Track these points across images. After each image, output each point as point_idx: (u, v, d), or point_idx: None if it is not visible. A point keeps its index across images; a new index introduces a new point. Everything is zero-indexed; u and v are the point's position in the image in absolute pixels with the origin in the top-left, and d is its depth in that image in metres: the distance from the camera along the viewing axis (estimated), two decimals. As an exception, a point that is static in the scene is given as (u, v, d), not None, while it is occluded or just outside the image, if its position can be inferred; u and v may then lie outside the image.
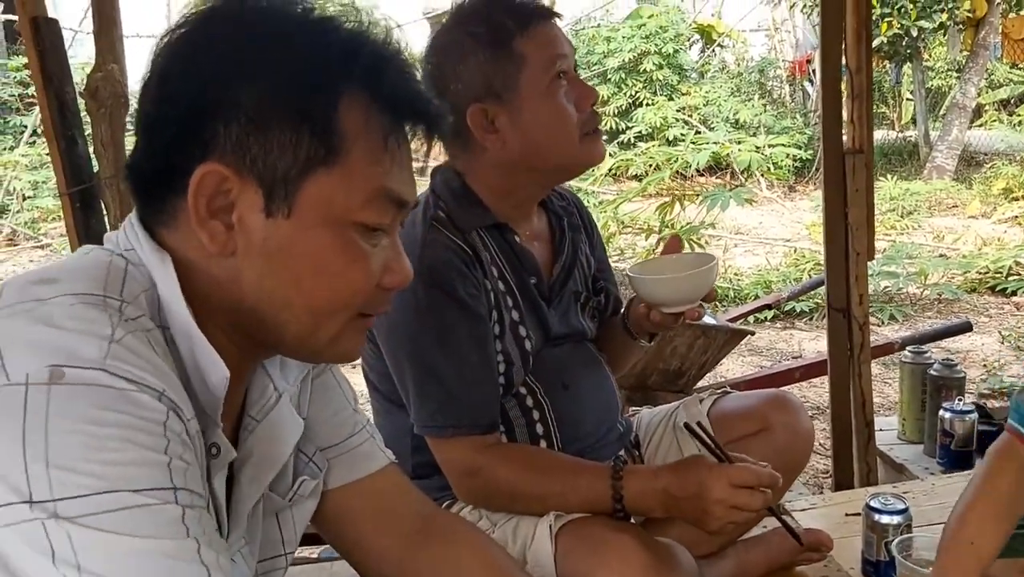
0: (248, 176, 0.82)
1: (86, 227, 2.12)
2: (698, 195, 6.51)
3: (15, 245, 8.34)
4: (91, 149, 2.18)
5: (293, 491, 1.04)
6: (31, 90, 8.91)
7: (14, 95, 10.62)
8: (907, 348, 2.75)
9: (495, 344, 1.51)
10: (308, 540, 1.20)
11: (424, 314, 1.44)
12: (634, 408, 1.98)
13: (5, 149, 9.30)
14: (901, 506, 1.69)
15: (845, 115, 2.34)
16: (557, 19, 1.54)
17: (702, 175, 9.73)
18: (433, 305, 1.44)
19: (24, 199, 8.52)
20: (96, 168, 2.17)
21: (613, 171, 8.82)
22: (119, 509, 0.70)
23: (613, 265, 1.90)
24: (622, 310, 1.72)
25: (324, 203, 0.84)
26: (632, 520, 1.55)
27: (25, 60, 9.13)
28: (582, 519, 1.45)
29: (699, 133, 10.08)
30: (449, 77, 1.47)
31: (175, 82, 0.83)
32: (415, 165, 0.92)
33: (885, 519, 1.68)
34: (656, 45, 11.34)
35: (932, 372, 2.58)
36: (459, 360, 1.46)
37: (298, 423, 1.02)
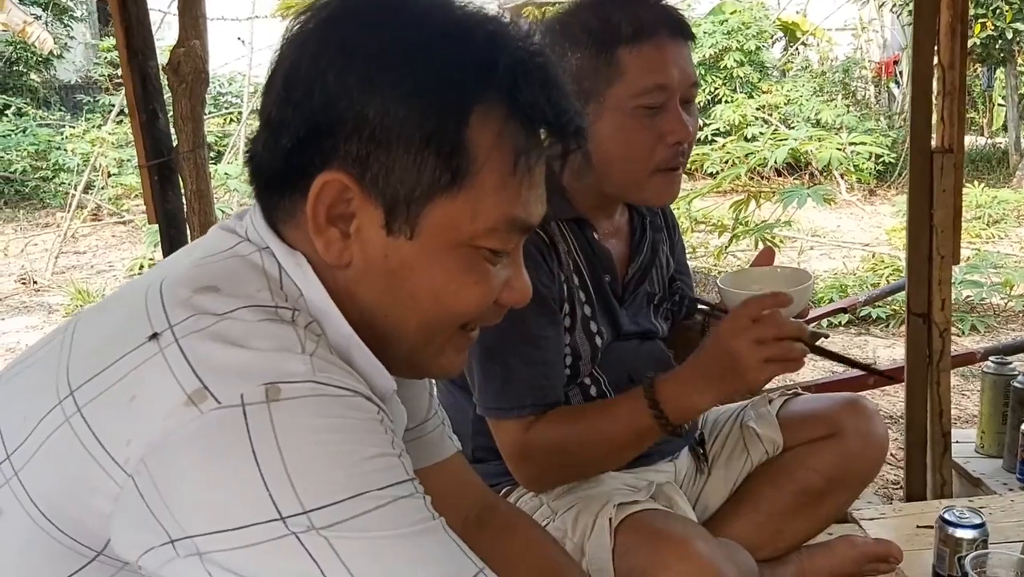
0: (369, 191, 0.79)
1: (163, 200, 2.17)
2: (774, 193, 6.37)
3: (99, 220, 8.61)
4: (171, 124, 2.22)
5: None
6: (120, 71, 9.18)
7: (104, 75, 10.97)
8: (990, 358, 2.64)
9: (564, 336, 1.48)
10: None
11: None
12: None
13: (93, 127, 9.59)
14: (977, 521, 1.62)
15: (935, 113, 2.25)
16: (686, 40, 1.44)
17: (780, 174, 9.51)
18: None
19: (109, 176, 8.78)
20: (175, 142, 2.21)
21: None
22: (372, 510, 0.70)
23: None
24: (700, 317, 1.67)
25: (448, 229, 0.80)
26: (692, 515, 1.51)
27: (115, 41, 9.39)
28: (643, 514, 1.41)
29: (778, 132, 9.87)
30: None
31: (300, 87, 0.79)
32: None
33: (960, 533, 1.61)
34: (738, 41, 11.15)
35: (1016, 384, 2.47)
36: (525, 342, 1.43)
37: (402, 412, 1.00)
